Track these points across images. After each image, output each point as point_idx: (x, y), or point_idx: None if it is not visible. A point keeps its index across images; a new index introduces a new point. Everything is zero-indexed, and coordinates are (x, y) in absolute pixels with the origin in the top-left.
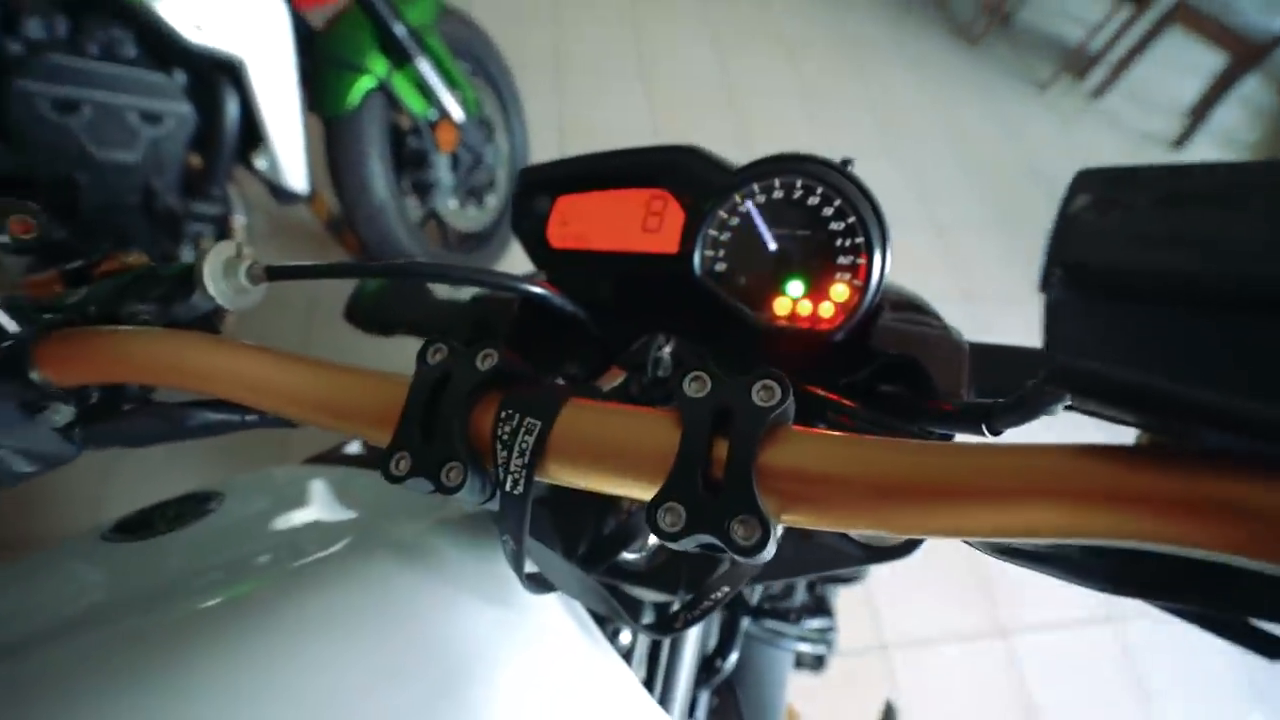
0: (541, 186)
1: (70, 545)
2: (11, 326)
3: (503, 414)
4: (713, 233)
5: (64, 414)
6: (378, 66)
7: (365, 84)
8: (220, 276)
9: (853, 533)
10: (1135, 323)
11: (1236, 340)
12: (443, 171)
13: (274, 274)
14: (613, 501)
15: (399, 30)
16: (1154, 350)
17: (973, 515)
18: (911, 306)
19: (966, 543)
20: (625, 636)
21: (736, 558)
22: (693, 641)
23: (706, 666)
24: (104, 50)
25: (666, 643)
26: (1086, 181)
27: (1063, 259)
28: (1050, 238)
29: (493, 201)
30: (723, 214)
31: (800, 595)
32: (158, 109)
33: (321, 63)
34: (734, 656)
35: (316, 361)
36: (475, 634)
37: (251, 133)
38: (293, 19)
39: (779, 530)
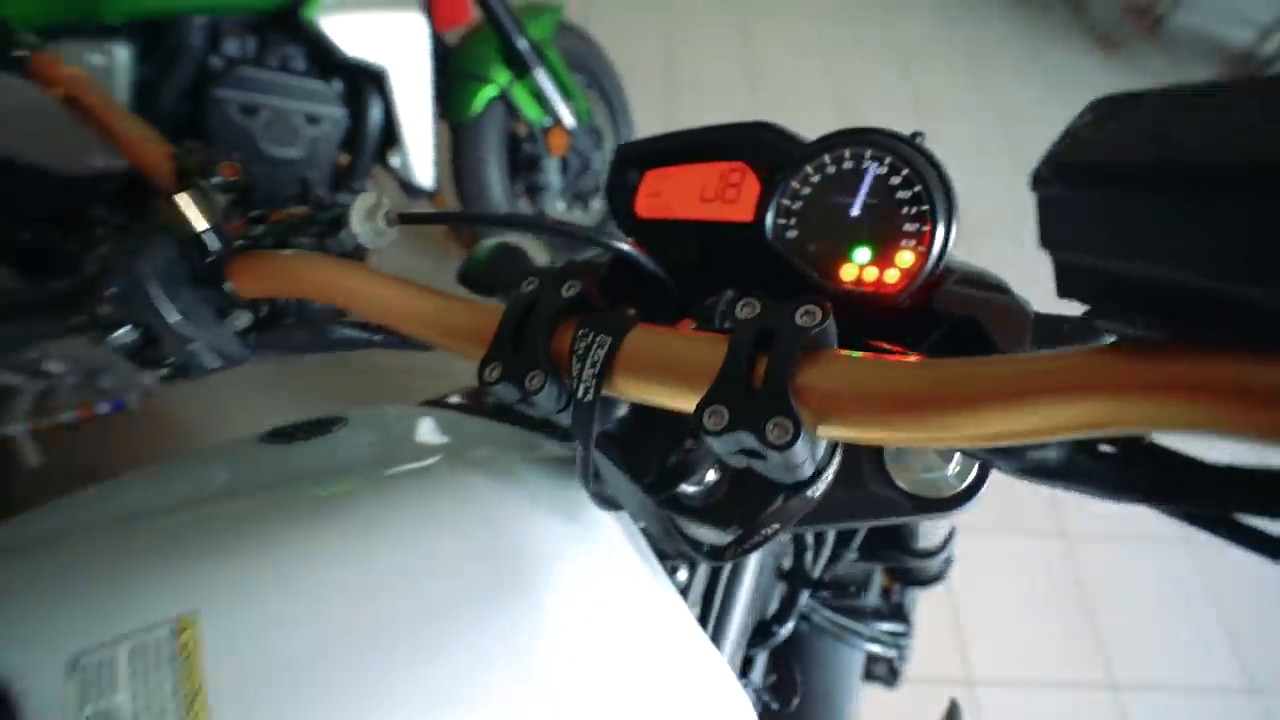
0: (633, 161)
1: (235, 443)
2: (214, 246)
3: (580, 332)
4: (785, 201)
5: (244, 320)
6: (500, 77)
7: (488, 93)
8: (363, 219)
9: (901, 482)
10: (1118, 211)
11: (1210, 220)
12: (553, 175)
13: (405, 219)
14: (677, 438)
15: (521, 44)
16: (1137, 237)
17: (992, 420)
18: (982, 280)
19: (997, 468)
20: (681, 575)
21: (773, 454)
22: (746, 588)
23: (763, 630)
24: (281, 63)
25: (721, 587)
26: (1096, 103)
27: (1056, 160)
28: (1050, 147)
29: (597, 205)
30: (795, 184)
31: (875, 596)
32: (318, 112)
33: (452, 75)
34: (790, 624)
35: (432, 291)
36: (544, 541)
37: (390, 135)
38: (432, 37)
39: (820, 447)
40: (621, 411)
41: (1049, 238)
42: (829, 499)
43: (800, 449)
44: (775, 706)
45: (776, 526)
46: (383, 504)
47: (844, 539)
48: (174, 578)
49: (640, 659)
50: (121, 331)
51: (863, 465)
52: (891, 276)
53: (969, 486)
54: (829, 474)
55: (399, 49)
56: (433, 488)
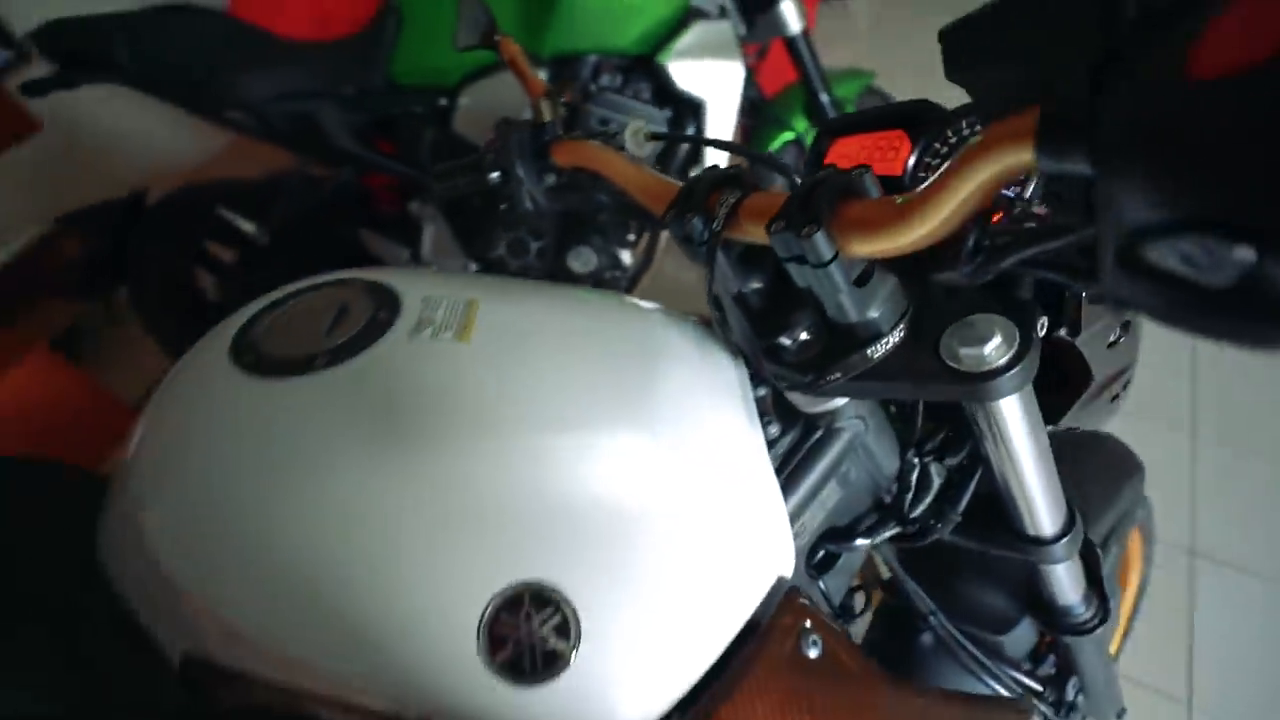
0: (827, 131)
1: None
2: (551, 133)
3: (725, 190)
4: (926, 159)
5: (551, 179)
6: (799, 125)
7: (785, 136)
8: (630, 136)
9: (949, 361)
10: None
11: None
12: None
13: (652, 136)
14: (786, 302)
15: (824, 99)
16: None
17: (943, 205)
18: None
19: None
20: (772, 429)
21: (809, 252)
22: (825, 463)
23: (835, 535)
24: (634, 93)
25: (801, 453)
26: None
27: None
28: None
29: None
30: (936, 144)
31: (1020, 646)
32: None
33: (760, 117)
34: (862, 544)
35: (652, 173)
36: (674, 360)
37: (696, 153)
38: (748, 86)
39: (855, 269)
40: (754, 284)
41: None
42: (886, 362)
43: (835, 270)
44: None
45: (839, 375)
46: (593, 298)
47: (948, 495)
48: (473, 289)
49: (715, 475)
50: (494, 175)
51: (919, 354)
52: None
53: (1004, 364)
54: (886, 342)
55: (718, 88)
56: (597, 305)
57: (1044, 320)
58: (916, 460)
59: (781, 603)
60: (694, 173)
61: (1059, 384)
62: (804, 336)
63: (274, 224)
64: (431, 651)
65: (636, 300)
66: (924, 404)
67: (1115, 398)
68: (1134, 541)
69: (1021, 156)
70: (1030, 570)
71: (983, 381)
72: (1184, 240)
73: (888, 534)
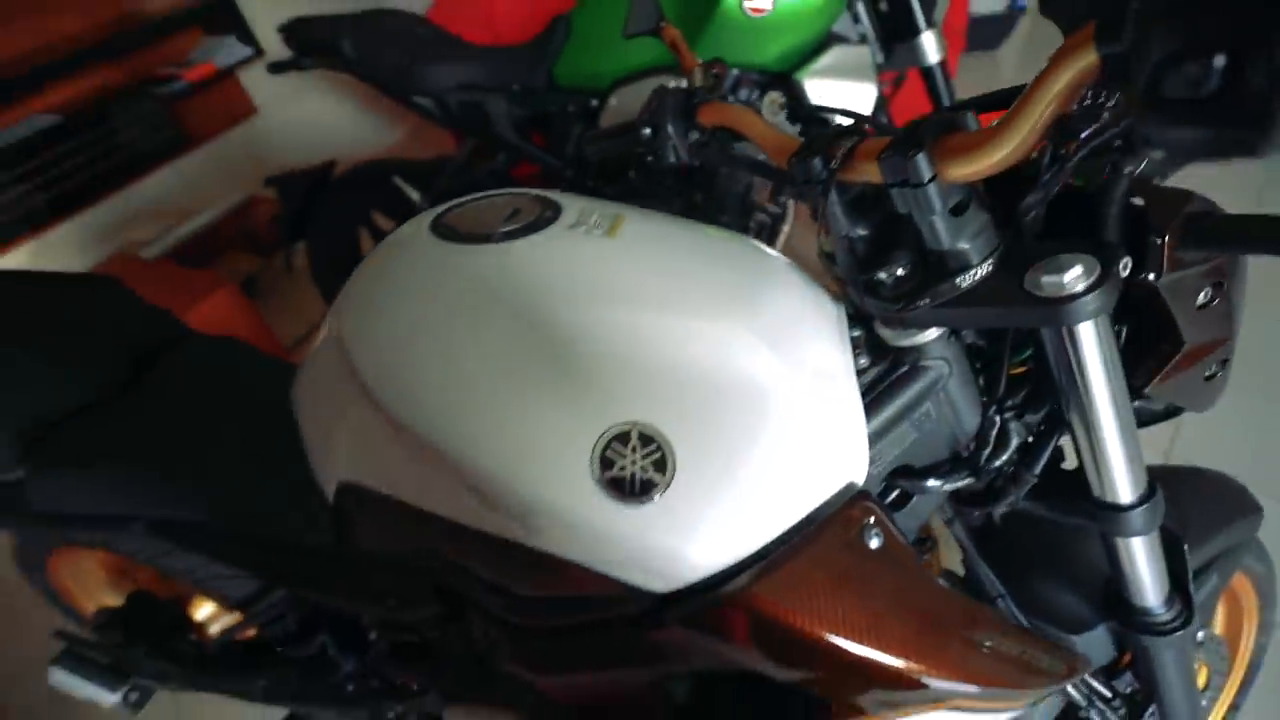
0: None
1: None
2: (697, 98)
3: (844, 139)
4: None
5: (695, 137)
6: None
7: None
8: (767, 105)
9: (1033, 289)
10: None
11: None
12: None
13: (786, 105)
14: (889, 245)
15: None
16: None
17: (1024, 122)
18: None
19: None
20: (862, 360)
21: (910, 172)
22: (906, 397)
23: (908, 472)
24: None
25: (886, 383)
26: None
27: None
28: None
29: None
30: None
31: (1101, 649)
32: None
33: None
34: (934, 485)
35: (779, 133)
36: (785, 284)
37: None
38: (879, 112)
39: (953, 196)
40: (861, 230)
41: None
42: (976, 297)
43: (933, 191)
44: None
45: (928, 300)
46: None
47: (1026, 457)
48: (621, 209)
49: (807, 378)
50: (646, 130)
51: (1004, 284)
52: None
53: (1082, 289)
54: (974, 272)
55: (849, 107)
56: (750, 242)
57: (1127, 260)
58: (997, 418)
59: (851, 499)
60: None
61: (1149, 352)
62: (900, 272)
63: (434, 196)
64: (554, 467)
65: (759, 243)
66: (1009, 361)
67: (1211, 377)
68: (1246, 593)
69: (1088, 58)
70: (1111, 568)
71: (1061, 305)
72: (1189, 66)
73: (960, 481)
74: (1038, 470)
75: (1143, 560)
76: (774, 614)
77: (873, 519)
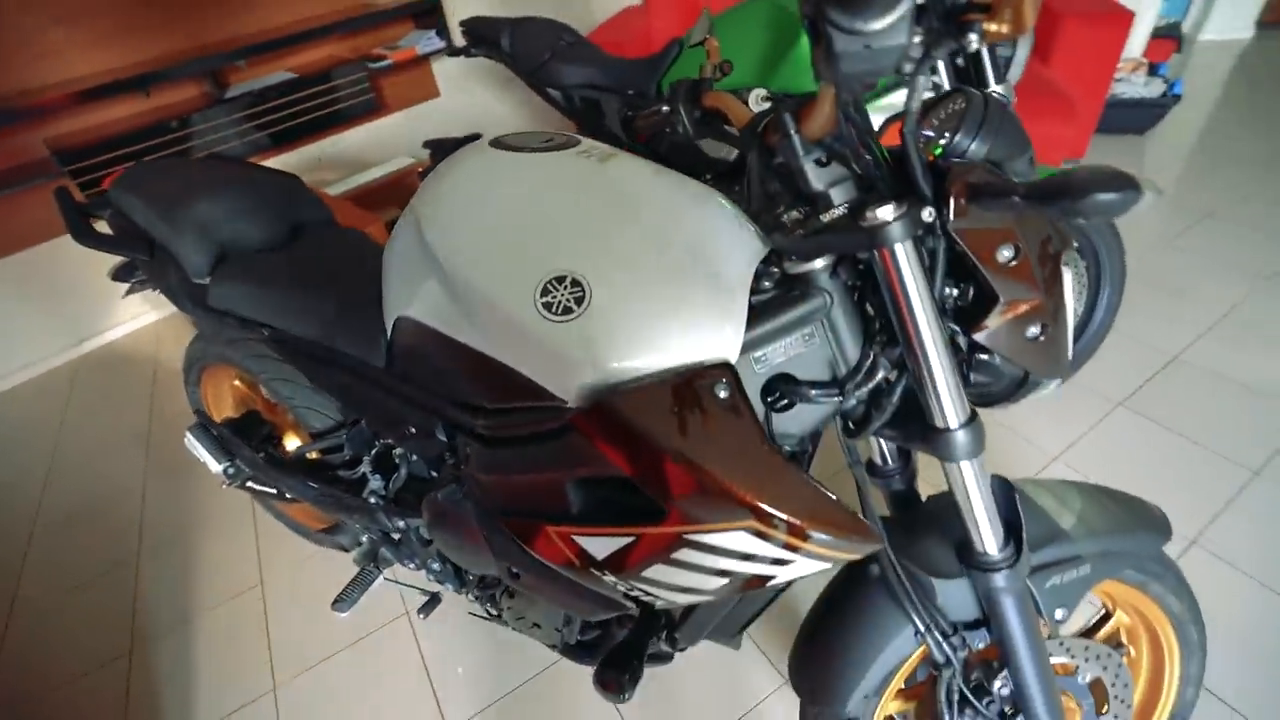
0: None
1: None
2: (705, 86)
3: (762, 119)
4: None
5: (695, 115)
6: None
7: None
8: (752, 96)
9: (864, 223)
10: None
11: None
12: None
13: (769, 98)
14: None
15: None
16: None
17: None
18: None
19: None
20: (765, 283)
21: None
22: (785, 318)
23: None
24: None
25: (774, 303)
26: None
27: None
28: None
29: None
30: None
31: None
32: None
33: None
34: (812, 393)
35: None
36: (717, 204)
37: None
38: None
39: (807, 145)
40: (775, 185)
41: None
42: (832, 230)
43: (796, 142)
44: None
45: (800, 231)
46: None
47: (890, 386)
48: (619, 152)
49: (705, 268)
50: (665, 109)
51: (850, 223)
52: None
53: (892, 218)
54: (832, 212)
55: None
56: (707, 186)
57: (931, 209)
58: (870, 352)
59: (717, 365)
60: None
61: (983, 308)
62: (795, 215)
63: None
64: (516, 290)
65: (720, 193)
66: (877, 301)
67: (1036, 340)
68: (1161, 626)
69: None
70: (957, 509)
71: (876, 230)
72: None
73: (832, 397)
74: (895, 398)
75: (975, 489)
76: (630, 421)
77: (725, 379)
